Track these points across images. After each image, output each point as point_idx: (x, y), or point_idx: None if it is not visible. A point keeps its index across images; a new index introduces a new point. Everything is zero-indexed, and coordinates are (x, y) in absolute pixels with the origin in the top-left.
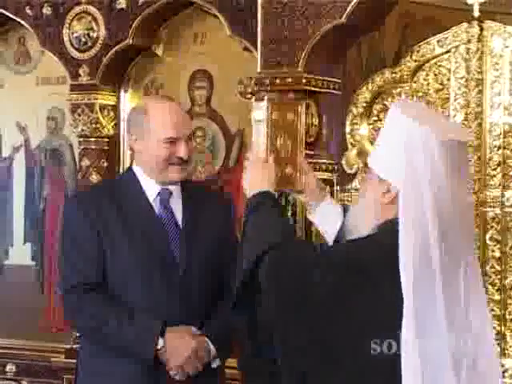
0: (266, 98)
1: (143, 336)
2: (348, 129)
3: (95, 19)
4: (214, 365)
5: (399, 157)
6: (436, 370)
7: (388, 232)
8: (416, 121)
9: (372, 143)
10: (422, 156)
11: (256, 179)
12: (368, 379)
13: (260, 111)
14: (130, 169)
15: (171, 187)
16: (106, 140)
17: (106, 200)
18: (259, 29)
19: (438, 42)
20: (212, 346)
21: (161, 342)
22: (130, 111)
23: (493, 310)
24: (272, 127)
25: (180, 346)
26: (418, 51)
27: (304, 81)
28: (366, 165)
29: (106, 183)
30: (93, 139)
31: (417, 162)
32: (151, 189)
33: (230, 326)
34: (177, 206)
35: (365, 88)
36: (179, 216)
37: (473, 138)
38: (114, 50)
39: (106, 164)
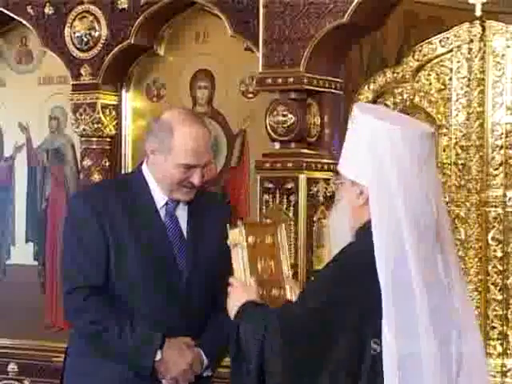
0: (239, 224)
1: (143, 348)
2: None
3: (97, 19)
4: (206, 374)
5: (366, 156)
6: (417, 370)
7: (365, 235)
8: (379, 119)
9: None
10: (388, 153)
11: (239, 302)
12: (368, 379)
13: (236, 236)
14: (139, 170)
15: None
16: (108, 140)
17: (114, 200)
18: (261, 28)
19: (440, 41)
20: (205, 358)
21: (159, 354)
22: (155, 121)
23: (495, 309)
24: (250, 251)
25: (177, 360)
26: (419, 51)
27: (306, 80)
28: (336, 171)
29: (112, 182)
30: (94, 139)
31: (384, 161)
32: (159, 196)
33: (224, 337)
34: (182, 214)
35: (366, 88)
36: (184, 224)
37: (434, 129)
38: (115, 49)
39: (107, 164)
